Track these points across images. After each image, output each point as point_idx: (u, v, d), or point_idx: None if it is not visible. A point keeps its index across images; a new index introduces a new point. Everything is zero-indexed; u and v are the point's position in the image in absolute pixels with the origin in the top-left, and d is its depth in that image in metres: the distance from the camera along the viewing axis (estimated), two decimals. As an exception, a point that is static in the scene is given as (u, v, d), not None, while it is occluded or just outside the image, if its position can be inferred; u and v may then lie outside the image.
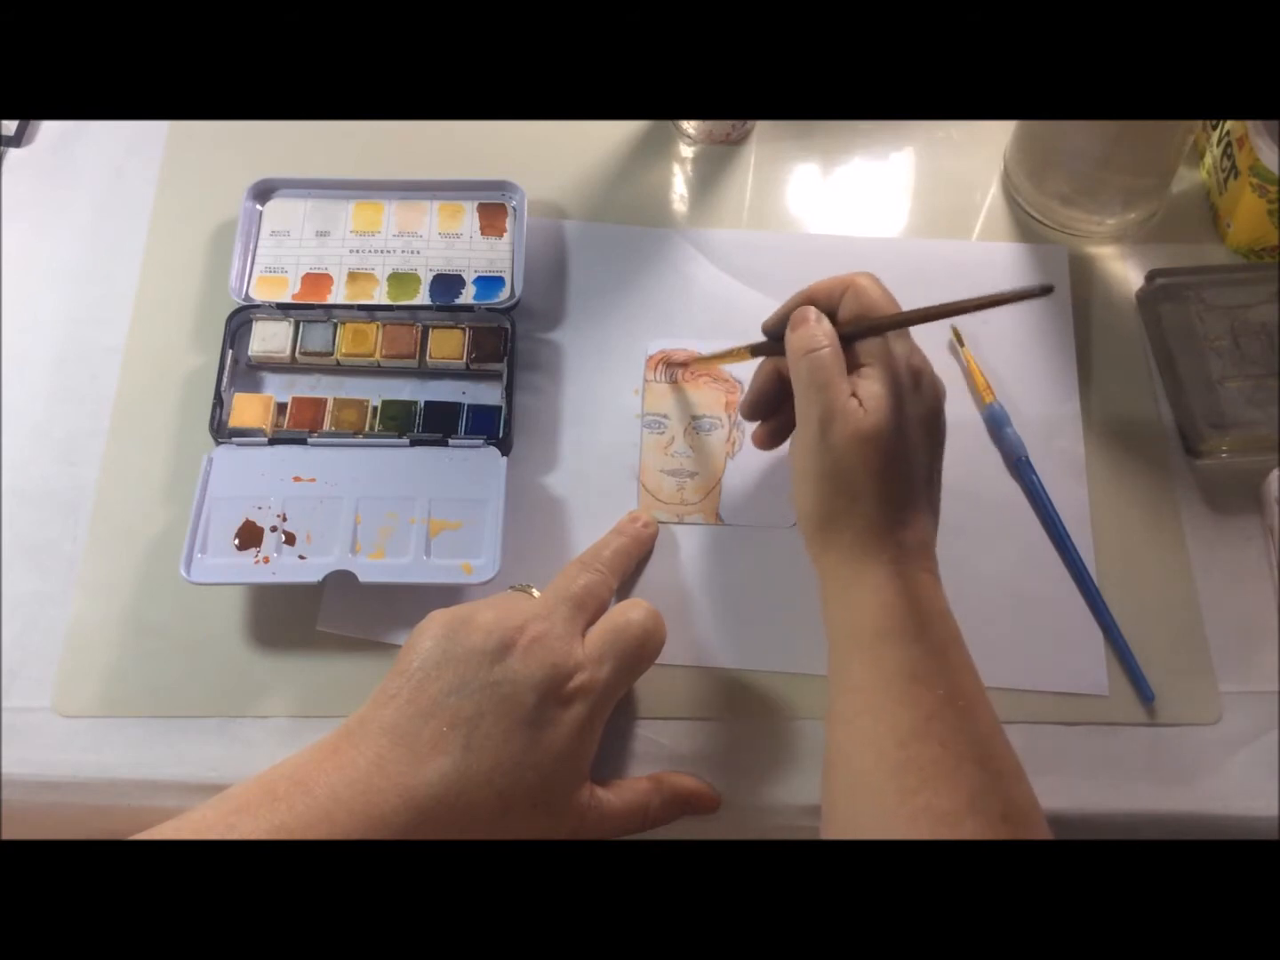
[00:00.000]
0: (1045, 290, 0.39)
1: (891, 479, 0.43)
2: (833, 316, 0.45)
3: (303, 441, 0.53)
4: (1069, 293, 0.59)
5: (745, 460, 0.55)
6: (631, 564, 0.51)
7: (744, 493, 0.54)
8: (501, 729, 0.40)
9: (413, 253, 0.58)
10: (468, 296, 0.57)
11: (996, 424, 0.55)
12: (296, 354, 0.55)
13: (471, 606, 0.43)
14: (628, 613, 0.45)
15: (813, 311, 0.45)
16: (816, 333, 0.44)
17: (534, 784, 0.40)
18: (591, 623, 0.45)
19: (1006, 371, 0.57)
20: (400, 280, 0.57)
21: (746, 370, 0.56)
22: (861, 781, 0.40)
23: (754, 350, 0.50)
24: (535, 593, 0.46)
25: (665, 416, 0.56)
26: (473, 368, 0.56)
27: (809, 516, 0.44)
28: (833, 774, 0.42)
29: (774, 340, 0.48)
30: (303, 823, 0.37)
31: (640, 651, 0.44)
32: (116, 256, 0.59)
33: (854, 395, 0.43)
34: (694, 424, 0.55)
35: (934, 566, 0.44)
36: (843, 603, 0.43)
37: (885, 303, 0.45)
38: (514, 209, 0.59)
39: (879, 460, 0.42)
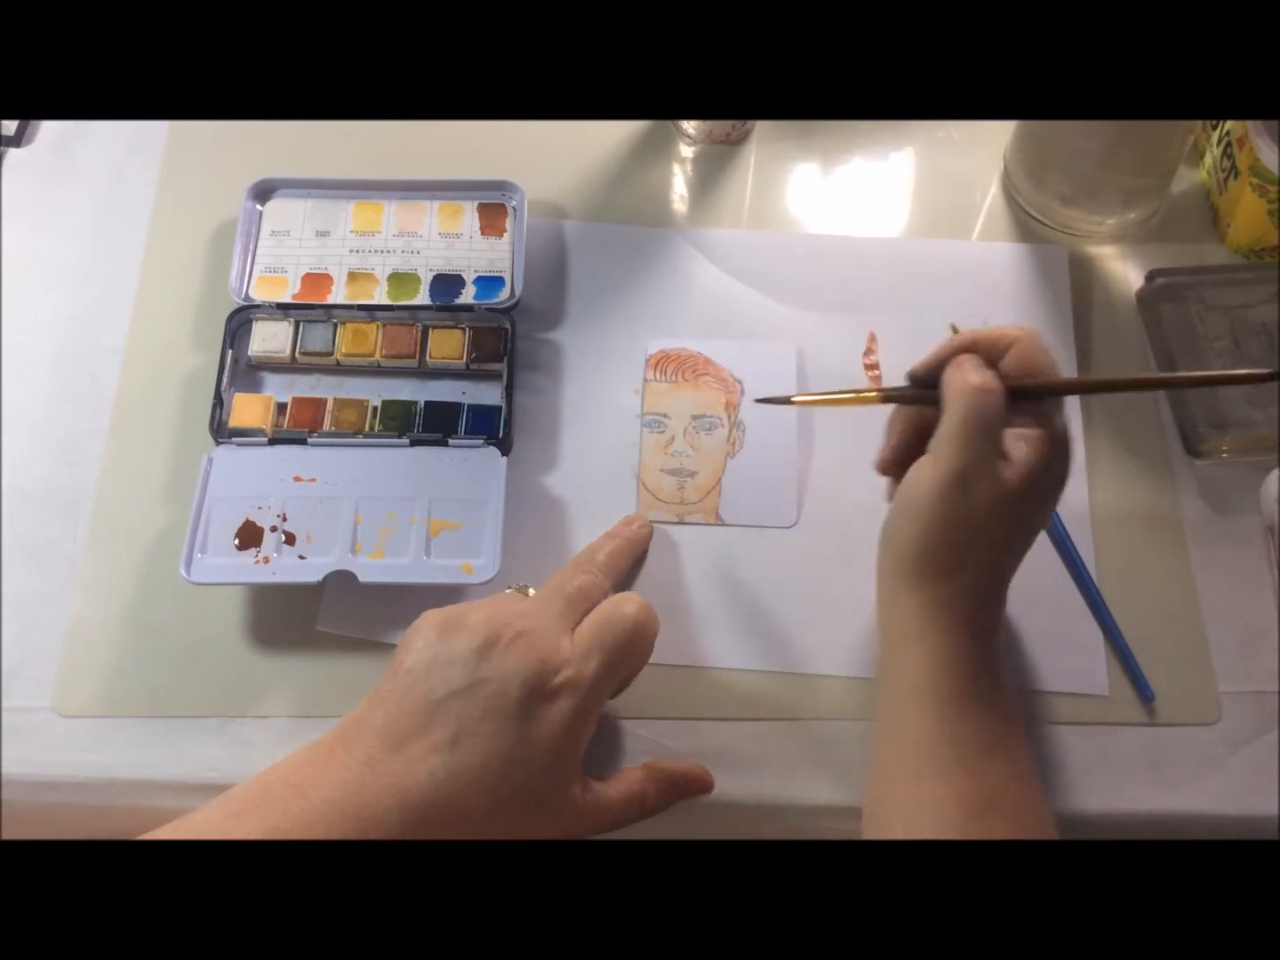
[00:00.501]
0: (1271, 376, 0.39)
1: (1009, 549, 0.42)
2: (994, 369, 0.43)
3: (303, 441, 0.53)
4: (1069, 293, 0.59)
5: (745, 460, 0.55)
6: (626, 565, 0.50)
7: (744, 493, 0.54)
8: (489, 727, 0.40)
9: (413, 253, 0.58)
10: (468, 296, 0.57)
11: (996, 424, 0.55)
12: (296, 354, 0.55)
13: (464, 606, 0.43)
14: (620, 606, 0.44)
15: (978, 360, 0.43)
16: (989, 377, 0.42)
17: (523, 781, 0.40)
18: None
19: (1006, 371, 0.57)
20: (400, 280, 0.57)
21: (745, 369, 0.56)
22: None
23: (889, 397, 0.46)
24: (532, 592, 0.46)
25: (665, 416, 0.56)
26: (473, 368, 0.56)
27: (905, 556, 0.42)
28: (886, 828, 0.41)
29: (919, 388, 0.45)
30: (298, 825, 0.37)
31: (630, 644, 0.44)
32: (116, 256, 0.59)
33: (1005, 454, 0.41)
34: (694, 423, 0.55)
35: (1002, 638, 0.43)
36: (914, 653, 0.41)
37: (1049, 364, 0.43)
38: (514, 209, 0.59)
39: (1007, 529, 0.42)
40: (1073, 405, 0.56)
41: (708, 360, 0.57)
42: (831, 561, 0.52)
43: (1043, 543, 0.53)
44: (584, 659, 0.42)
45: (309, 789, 0.38)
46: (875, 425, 0.56)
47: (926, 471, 0.42)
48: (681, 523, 0.53)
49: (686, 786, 0.47)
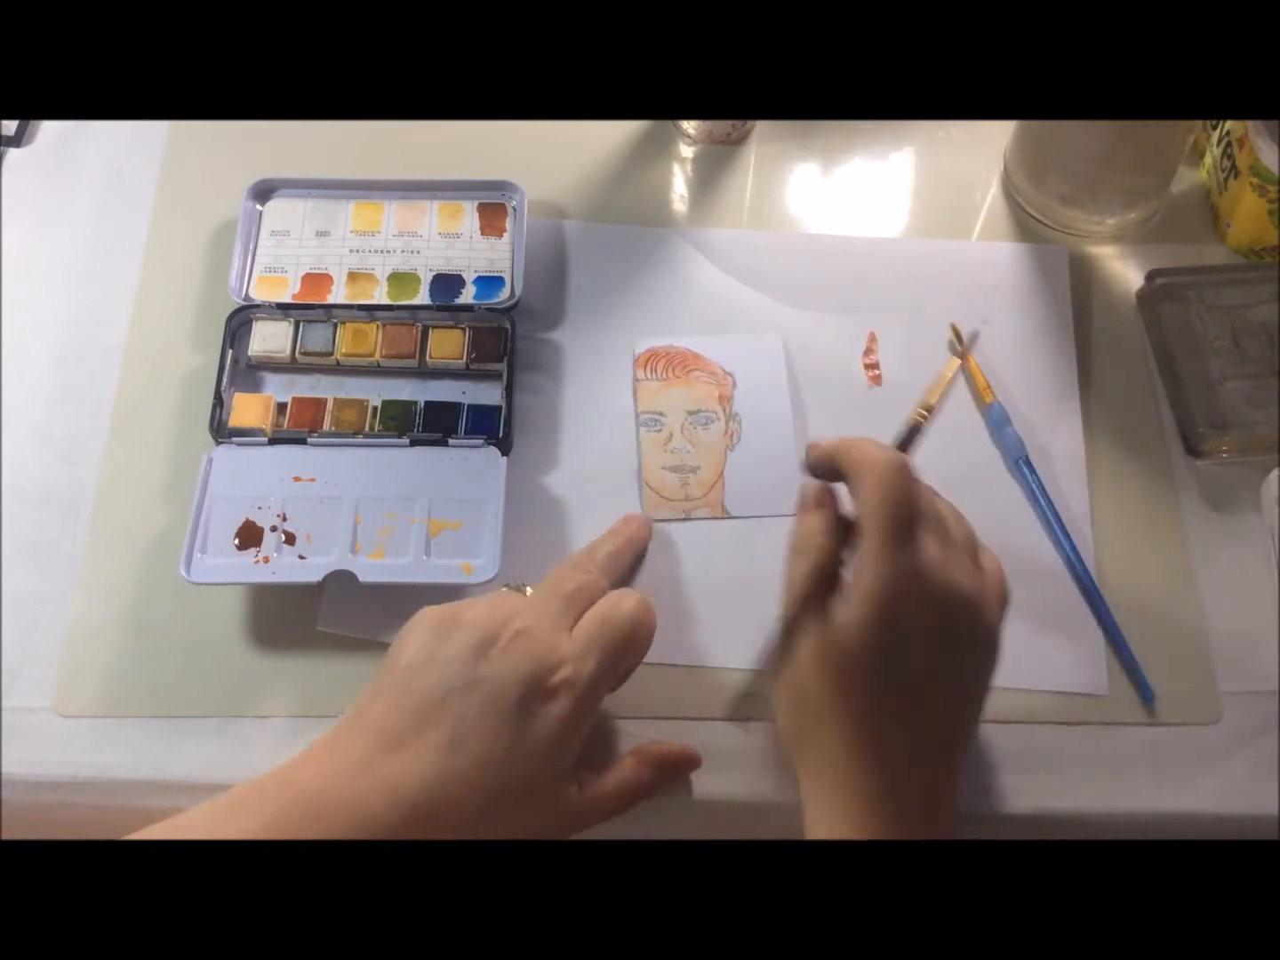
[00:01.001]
0: None
1: (869, 725, 0.39)
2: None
3: (303, 441, 0.53)
4: (1069, 293, 0.59)
5: (745, 451, 0.55)
6: (625, 565, 0.50)
7: (748, 483, 0.54)
8: (486, 726, 0.40)
9: (413, 253, 0.58)
10: (468, 296, 0.57)
11: (996, 424, 0.55)
12: (296, 354, 0.55)
13: (461, 604, 0.43)
14: (617, 603, 0.44)
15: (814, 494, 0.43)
16: (809, 527, 0.42)
17: (520, 779, 0.40)
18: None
19: (1006, 371, 0.57)
20: (400, 280, 0.57)
21: (735, 361, 0.57)
22: None
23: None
24: (529, 590, 0.46)
25: (661, 414, 0.56)
26: (473, 368, 0.56)
27: (779, 728, 0.43)
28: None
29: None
30: (292, 822, 0.37)
31: (627, 642, 0.43)
32: (116, 256, 0.59)
33: (830, 613, 0.40)
34: (690, 419, 0.55)
35: (937, 829, 0.40)
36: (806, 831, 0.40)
37: (908, 495, 0.40)
38: (514, 209, 0.59)
39: (847, 682, 0.39)
40: (1072, 404, 0.56)
41: (696, 355, 0.57)
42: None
43: (1043, 542, 0.53)
44: (581, 657, 0.42)
45: (303, 787, 0.38)
46: (869, 408, 0.56)
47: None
48: (688, 519, 0.53)
49: (678, 767, 0.47)
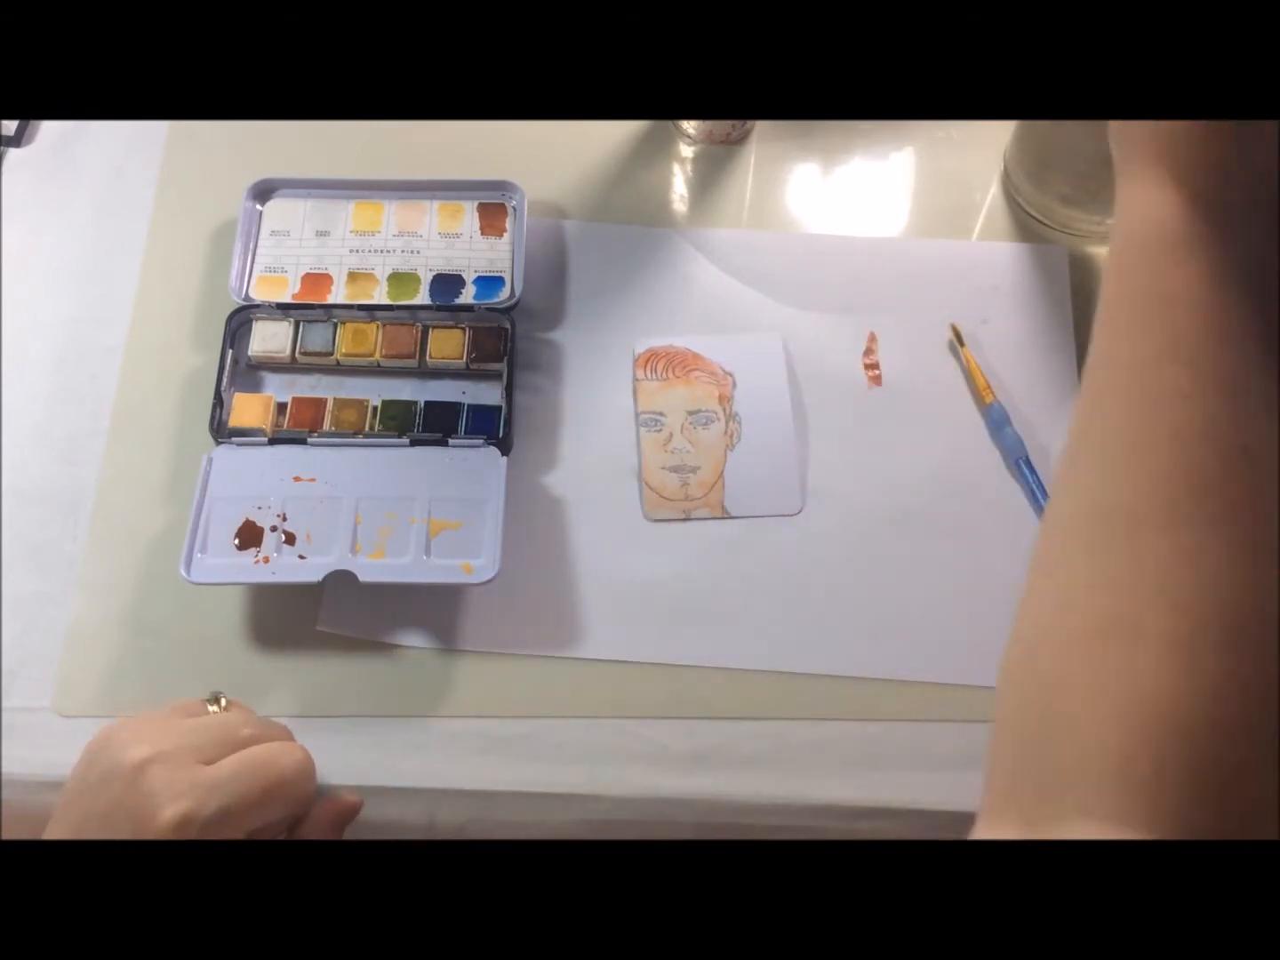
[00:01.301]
0: None
1: None
2: None
3: (303, 441, 0.53)
4: (1069, 293, 0.59)
5: (745, 451, 0.55)
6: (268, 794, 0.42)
7: (747, 484, 0.54)
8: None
9: (413, 253, 0.58)
10: (468, 296, 0.57)
11: (996, 424, 0.55)
12: (296, 354, 0.55)
13: (113, 729, 0.42)
14: (277, 754, 0.42)
15: None
16: None
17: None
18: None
19: (1006, 371, 0.57)
20: (400, 280, 0.57)
21: (735, 361, 0.57)
22: (1092, 391, 0.36)
23: None
24: (223, 702, 0.45)
25: (661, 414, 0.56)
26: (473, 368, 0.56)
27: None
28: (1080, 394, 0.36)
29: None
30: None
31: (266, 793, 0.41)
32: (116, 256, 0.59)
33: None
34: (690, 419, 0.55)
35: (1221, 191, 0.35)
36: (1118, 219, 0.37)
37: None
38: (514, 209, 0.59)
39: None
40: (1072, 404, 0.56)
41: (696, 355, 0.57)
42: (838, 546, 0.53)
43: (1043, 543, 0.53)
44: (205, 798, 0.39)
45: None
46: (869, 408, 0.56)
47: None
48: (688, 519, 0.53)
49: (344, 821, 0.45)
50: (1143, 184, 0.36)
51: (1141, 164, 0.36)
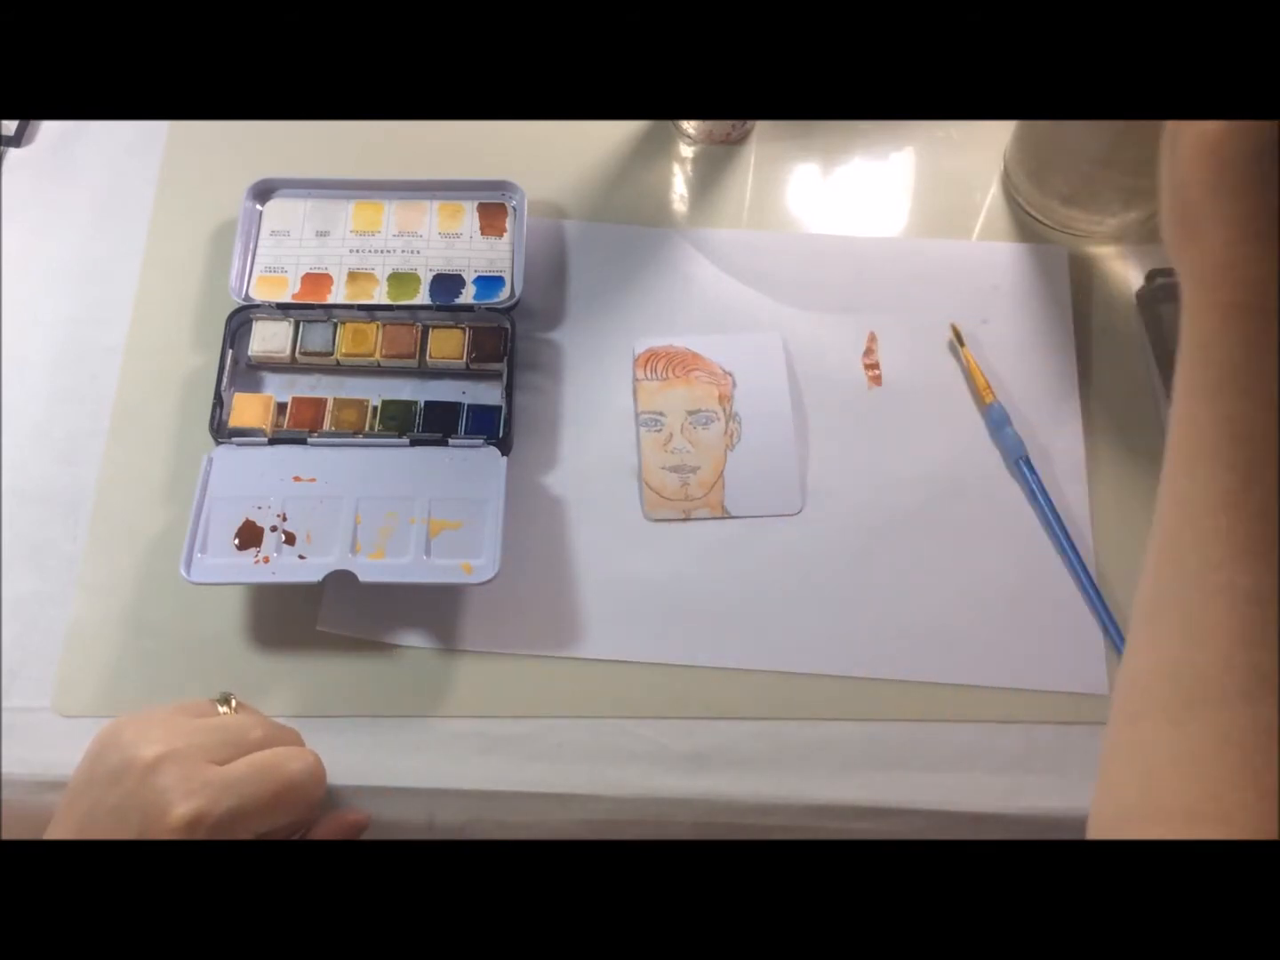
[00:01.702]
0: None
1: (1256, 192, 0.33)
2: None
3: (303, 441, 0.53)
4: (1069, 293, 0.59)
5: (745, 451, 0.55)
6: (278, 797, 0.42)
7: (748, 483, 0.54)
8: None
9: (413, 253, 0.58)
10: (468, 296, 0.57)
11: (996, 424, 0.55)
12: (296, 354, 0.55)
13: (126, 723, 0.42)
14: (286, 759, 0.42)
15: None
16: None
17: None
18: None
19: (1006, 371, 0.57)
20: (400, 280, 0.57)
21: (735, 361, 0.57)
22: (1168, 545, 0.34)
23: None
24: (233, 704, 0.45)
25: (661, 414, 0.56)
26: (473, 368, 0.56)
27: (1161, 225, 0.37)
28: (1151, 535, 0.35)
29: None
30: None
31: (276, 798, 0.41)
32: (116, 256, 0.59)
33: None
34: (690, 419, 0.55)
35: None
36: (1182, 342, 0.35)
37: None
38: (514, 209, 0.59)
39: (1229, 171, 0.34)
40: (1072, 404, 0.56)
41: (696, 355, 0.57)
42: (838, 546, 0.53)
43: (1043, 542, 0.53)
44: (217, 797, 0.40)
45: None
46: (869, 408, 0.56)
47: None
48: (688, 519, 0.53)
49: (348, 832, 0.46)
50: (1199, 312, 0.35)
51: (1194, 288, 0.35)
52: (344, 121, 0.62)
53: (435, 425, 0.54)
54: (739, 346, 0.57)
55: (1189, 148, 0.35)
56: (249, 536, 0.50)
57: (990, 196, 0.63)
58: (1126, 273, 0.60)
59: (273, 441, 0.53)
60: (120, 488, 0.53)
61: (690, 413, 0.56)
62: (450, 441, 0.53)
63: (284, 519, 0.50)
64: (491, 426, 0.54)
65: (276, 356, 0.55)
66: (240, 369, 0.56)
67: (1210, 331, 0.34)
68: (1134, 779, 0.34)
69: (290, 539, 0.50)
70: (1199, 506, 0.33)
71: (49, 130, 0.63)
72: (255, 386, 0.56)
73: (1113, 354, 0.58)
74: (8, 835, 0.47)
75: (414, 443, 0.53)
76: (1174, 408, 0.36)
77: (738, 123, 0.63)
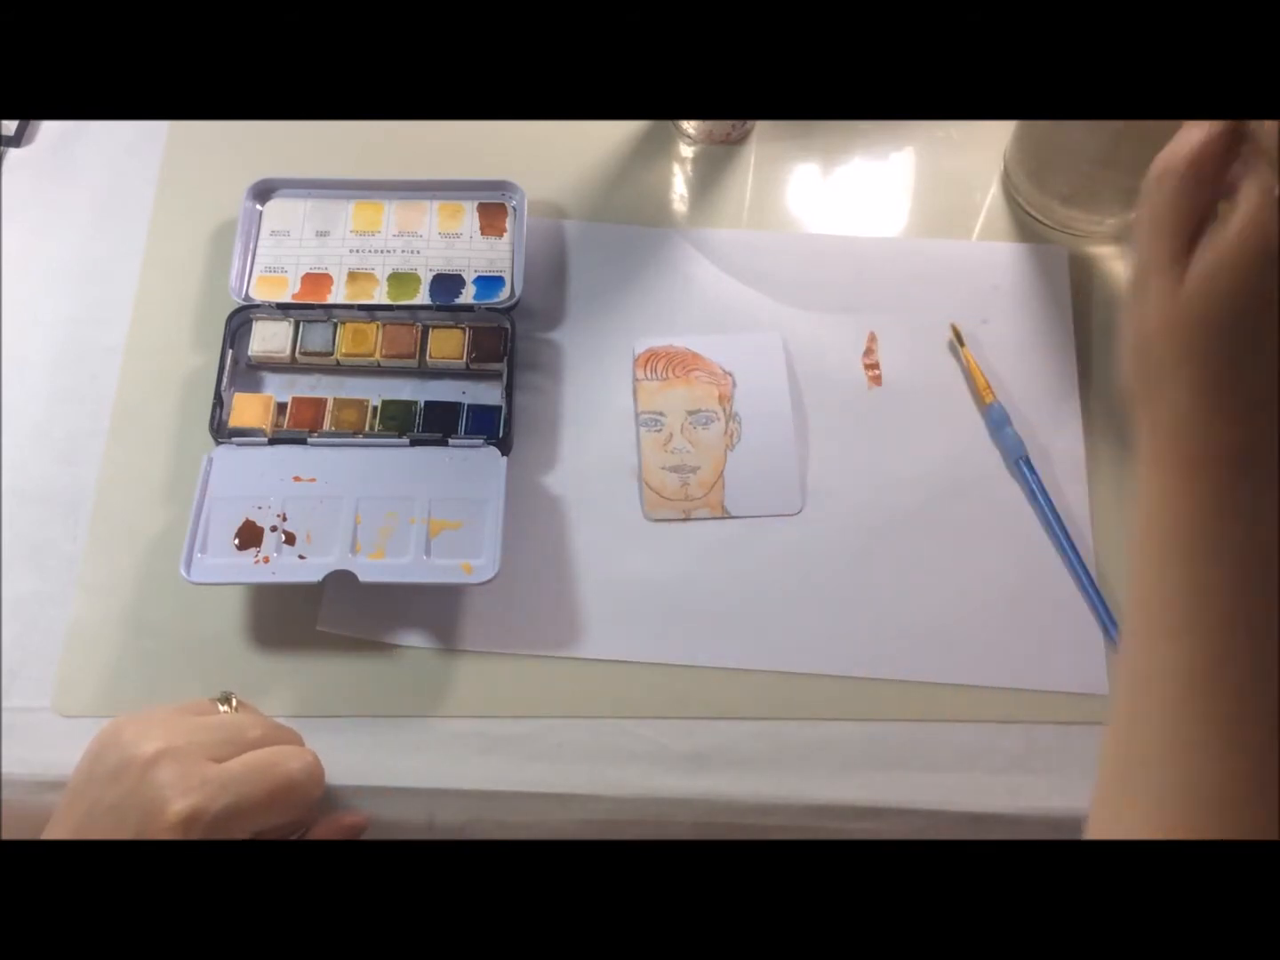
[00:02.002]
0: None
1: (1232, 356, 0.32)
2: None
3: (303, 441, 0.53)
4: (1069, 293, 0.59)
5: (745, 451, 0.55)
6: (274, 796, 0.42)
7: (747, 483, 0.54)
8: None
9: (413, 253, 0.58)
10: (468, 296, 0.57)
11: (996, 424, 0.55)
12: (296, 354, 0.55)
13: (126, 723, 0.42)
14: (285, 758, 0.42)
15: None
16: (1190, 138, 0.33)
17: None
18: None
19: (1006, 371, 0.57)
20: (400, 280, 0.57)
21: (735, 361, 0.57)
22: (1141, 719, 0.34)
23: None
24: (234, 703, 0.45)
25: (661, 414, 0.56)
26: (473, 368, 0.56)
27: (1124, 378, 0.37)
28: (1119, 687, 0.36)
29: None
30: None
31: (271, 797, 0.41)
32: (116, 256, 0.59)
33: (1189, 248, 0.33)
34: (690, 419, 0.55)
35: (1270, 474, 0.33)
36: (1140, 492, 0.35)
37: None
38: (514, 209, 0.59)
39: (1197, 341, 0.33)
40: (1072, 404, 0.56)
41: (696, 355, 0.57)
42: (838, 546, 0.53)
43: (1043, 542, 0.53)
44: (215, 794, 0.40)
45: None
46: (868, 409, 0.56)
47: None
48: (688, 519, 0.53)
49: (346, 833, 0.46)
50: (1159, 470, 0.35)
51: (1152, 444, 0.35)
52: (344, 121, 0.62)
53: (435, 425, 0.54)
54: (739, 346, 0.57)
55: (1158, 312, 0.34)
56: (249, 536, 0.50)
57: (990, 196, 0.63)
58: (1126, 273, 0.60)
59: (273, 441, 0.53)
60: (120, 488, 0.53)
61: (690, 413, 0.56)
62: (450, 441, 0.53)
63: (284, 519, 0.50)
64: (491, 426, 0.54)
65: (276, 356, 0.55)
66: (240, 369, 0.56)
67: (1171, 487, 0.34)
68: None
69: (290, 539, 0.50)
70: (1170, 681, 0.33)
71: (49, 130, 0.63)
72: (255, 386, 0.56)
73: (1113, 354, 0.58)
74: (8, 835, 0.47)
75: (414, 443, 0.53)
76: (1137, 564, 0.35)
77: (738, 123, 0.63)
